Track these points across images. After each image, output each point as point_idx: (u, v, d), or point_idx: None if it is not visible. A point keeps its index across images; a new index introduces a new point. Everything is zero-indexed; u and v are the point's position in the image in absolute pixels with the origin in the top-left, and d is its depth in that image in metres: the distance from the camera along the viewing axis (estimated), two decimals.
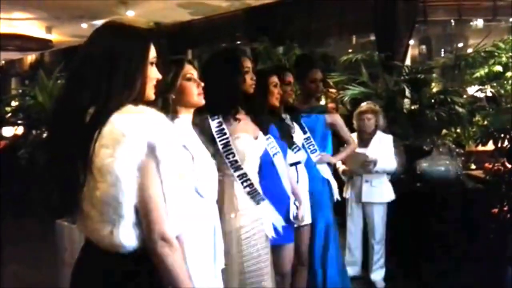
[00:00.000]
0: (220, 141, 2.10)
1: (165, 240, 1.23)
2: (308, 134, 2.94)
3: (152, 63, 1.34)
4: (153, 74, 1.36)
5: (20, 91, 7.34)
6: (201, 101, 1.85)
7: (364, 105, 3.79)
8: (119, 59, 1.27)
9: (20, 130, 6.97)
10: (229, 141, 2.12)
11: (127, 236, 1.23)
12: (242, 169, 2.13)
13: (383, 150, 3.60)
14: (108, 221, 1.22)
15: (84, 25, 7.86)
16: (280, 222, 2.35)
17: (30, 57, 11.43)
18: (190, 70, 1.85)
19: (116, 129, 1.20)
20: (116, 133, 1.20)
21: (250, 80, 2.24)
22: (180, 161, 1.32)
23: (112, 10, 6.62)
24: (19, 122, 6.73)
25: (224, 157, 2.10)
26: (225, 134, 2.12)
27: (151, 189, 1.22)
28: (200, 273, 1.74)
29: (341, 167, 3.71)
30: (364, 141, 3.68)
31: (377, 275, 3.62)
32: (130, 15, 7.10)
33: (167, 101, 1.77)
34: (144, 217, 1.23)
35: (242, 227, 2.13)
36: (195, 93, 1.83)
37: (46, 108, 5.29)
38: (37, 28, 8.80)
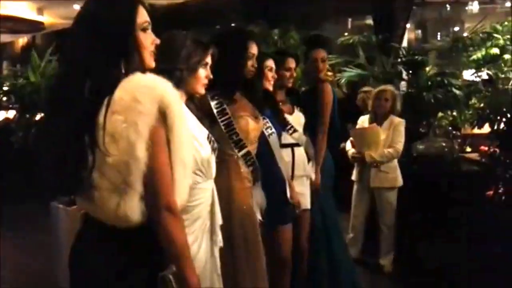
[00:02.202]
0: (222, 121, 2.10)
1: (170, 210, 1.22)
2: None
3: (144, 29, 1.30)
4: (148, 40, 1.31)
5: (12, 72, 7.23)
6: (202, 91, 1.83)
7: (384, 86, 3.74)
8: (106, 27, 1.23)
9: (11, 113, 6.88)
10: (231, 121, 2.11)
11: (133, 209, 1.21)
12: (246, 147, 2.14)
13: (392, 134, 3.53)
14: (116, 191, 1.21)
15: (76, 6, 7.72)
16: (264, 205, 2.32)
17: (22, 40, 11.29)
18: (208, 58, 1.82)
19: (127, 94, 1.18)
20: (127, 98, 1.18)
21: (250, 67, 2.23)
22: (188, 130, 1.31)
23: None
24: (11, 106, 6.65)
25: (227, 137, 2.10)
26: (226, 114, 2.11)
27: (159, 158, 1.21)
28: (197, 251, 1.74)
29: (350, 150, 3.66)
30: (376, 123, 3.61)
31: (386, 260, 3.61)
32: None
33: (182, 76, 1.74)
34: (150, 185, 1.21)
35: (249, 206, 2.14)
36: (202, 82, 1.80)
37: (39, 89, 5.22)
38: (29, 10, 8.66)
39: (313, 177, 2.88)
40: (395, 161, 3.59)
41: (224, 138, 2.09)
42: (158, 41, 1.34)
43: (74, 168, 1.22)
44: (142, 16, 1.29)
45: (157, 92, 1.20)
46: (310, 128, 2.89)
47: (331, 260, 2.97)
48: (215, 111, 2.09)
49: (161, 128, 1.21)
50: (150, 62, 1.32)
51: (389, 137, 3.54)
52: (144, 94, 1.18)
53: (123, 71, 1.24)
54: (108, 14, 1.24)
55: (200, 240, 1.77)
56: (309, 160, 2.85)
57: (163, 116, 1.20)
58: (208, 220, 1.83)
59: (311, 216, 2.86)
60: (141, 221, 1.23)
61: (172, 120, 1.22)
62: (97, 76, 1.21)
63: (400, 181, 3.60)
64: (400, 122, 3.58)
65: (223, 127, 2.09)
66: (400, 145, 3.54)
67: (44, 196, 1.51)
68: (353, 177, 3.71)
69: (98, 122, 1.19)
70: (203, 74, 1.80)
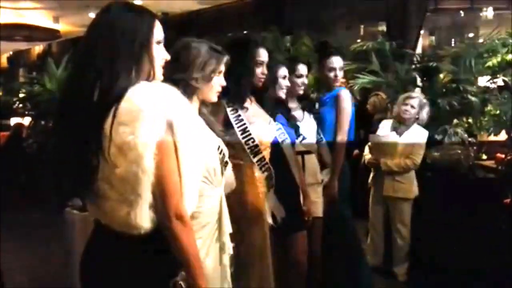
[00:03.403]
0: (238, 127, 2.11)
1: (180, 218, 1.23)
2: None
3: (158, 42, 1.32)
4: (160, 53, 1.33)
5: (28, 79, 7.34)
6: (215, 98, 1.82)
7: (412, 92, 3.69)
8: (123, 36, 1.25)
9: (26, 120, 6.97)
10: (247, 127, 2.12)
11: (143, 218, 1.22)
12: (261, 153, 2.15)
13: (413, 145, 3.46)
14: (125, 201, 1.21)
15: (92, 15, 7.82)
16: (281, 212, 2.33)
17: (38, 48, 11.44)
18: (222, 66, 1.80)
19: (134, 105, 1.19)
20: (134, 109, 1.18)
21: (260, 74, 2.23)
22: (196, 139, 1.31)
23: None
24: (27, 112, 6.73)
25: (243, 143, 2.11)
26: (242, 120, 2.13)
27: (168, 166, 1.22)
28: (204, 257, 1.72)
29: (367, 155, 3.63)
30: (398, 131, 3.53)
31: (401, 268, 3.54)
32: None
33: (197, 85, 1.73)
34: (160, 194, 1.22)
35: (261, 210, 2.15)
36: (216, 90, 1.80)
37: (55, 96, 5.28)
38: (45, 18, 8.80)
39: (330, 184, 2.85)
40: (412, 172, 3.50)
41: (240, 143, 2.10)
42: (168, 57, 1.36)
43: (80, 174, 1.23)
44: (158, 30, 1.32)
45: (164, 101, 1.21)
46: (328, 136, 2.88)
47: (348, 268, 2.94)
48: (231, 117, 2.10)
49: (168, 137, 1.21)
50: (160, 75, 1.34)
51: (409, 146, 3.46)
52: (151, 104, 1.18)
53: (132, 80, 1.24)
54: (128, 24, 1.26)
55: (208, 247, 1.76)
56: (325, 167, 2.83)
57: (170, 125, 1.21)
58: (217, 228, 1.82)
59: (328, 224, 2.84)
60: (152, 228, 1.24)
61: (179, 129, 1.22)
62: (107, 82, 1.22)
63: (415, 192, 3.53)
64: (422, 134, 3.50)
65: (239, 133, 2.10)
66: (418, 157, 3.46)
67: (52, 201, 1.52)
68: (370, 181, 3.66)
69: (104, 131, 1.19)
70: (217, 82, 1.80)
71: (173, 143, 1.23)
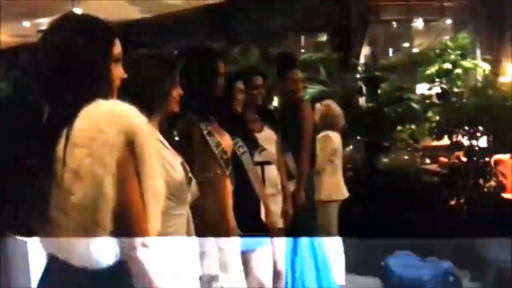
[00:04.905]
0: (212, 141, 2.06)
1: (145, 244, 1.14)
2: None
3: (117, 60, 1.23)
4: (118, 72, 1.24)
5: None
6: (177, 109, 1.74)
7: None
8: (78, 55, 1.16)
9: None
10: (219, 141, 2.07)
11: (104, 250, 1.13)
12: (230, 166, 2.11)
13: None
14: (83, 231, 1.11)
15: (26, 24, 7.43)
16: None
17: None
18: (178, 77, 1.72)
19: (90, 125, 1.09)
20: (90, 130, 1.09)
21: (220, 87, 2.19)
22: (159, 157, 1.24)
23: (56, 7, 6.29)
24: None
25: (219, 157, 2.06)
26: (213, 134, 2.08)
27: (130, 191, 1.13)
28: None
29: None
30: None
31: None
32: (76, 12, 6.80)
33: (156, 103, 1.65)
34: (122, 221, 1.13)
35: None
36: (176, 101, 1.71)
37: None
38: None
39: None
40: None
41: (213, 158, 2.05)
42: (125, 76, 1.27)
43: (31, 205, 1.12)
44: (118, 47, 1.23)
45: (123, 120, 1.11)
46: (292, 146, 2.90)
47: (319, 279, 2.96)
48: (204, 132, 2.05)
49: (129, 158, 1.12)
50: (115, 94, 1.24)
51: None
52: (109, 123, 1.09)
53: (87, 101, 1.14)
54: (84, 42, 1.17)
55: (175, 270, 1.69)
56: (292, 177, 2.83)
57: (131, 145, 1.12)
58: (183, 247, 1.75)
59: (293, 235, 2.84)
60: (113, 260, 1.15)
61: (141, 149, 1.13)
62: (59, 101, 1.12)
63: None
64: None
65: (214, 147, 2.05)
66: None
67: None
68: None
69: (56, 156, 1.09)
70: (176, 93, 1.74)
71: (133, 164, 1.14)
